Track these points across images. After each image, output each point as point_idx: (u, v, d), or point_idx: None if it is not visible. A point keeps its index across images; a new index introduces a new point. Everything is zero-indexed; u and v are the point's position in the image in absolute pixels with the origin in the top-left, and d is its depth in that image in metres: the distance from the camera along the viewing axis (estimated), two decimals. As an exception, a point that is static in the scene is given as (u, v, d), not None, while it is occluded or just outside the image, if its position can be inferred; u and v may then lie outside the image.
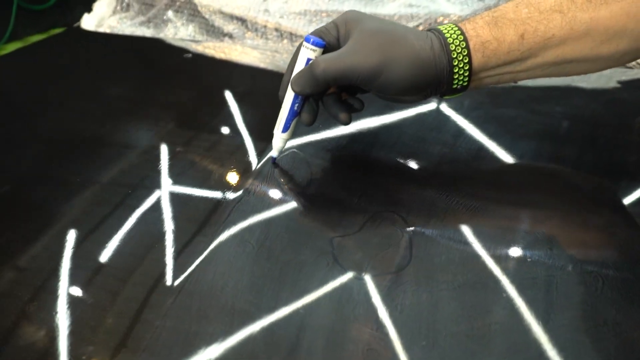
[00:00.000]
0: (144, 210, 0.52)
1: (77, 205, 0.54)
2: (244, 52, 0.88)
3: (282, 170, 0.55)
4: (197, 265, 0.44)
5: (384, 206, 0.49)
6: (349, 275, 0.42)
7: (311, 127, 0.54)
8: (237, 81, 0.79)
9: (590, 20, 0.44)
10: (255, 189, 0.52)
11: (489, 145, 0.57)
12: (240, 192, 0.52)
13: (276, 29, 0.87)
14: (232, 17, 0.91)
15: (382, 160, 0.56)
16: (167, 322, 0.40)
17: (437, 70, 0.46)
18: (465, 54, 0.45)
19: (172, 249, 0.47)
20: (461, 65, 0.46)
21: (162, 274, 0.44)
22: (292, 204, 0.51)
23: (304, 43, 0.49)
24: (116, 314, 0.41)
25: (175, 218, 0.50)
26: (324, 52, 0.49)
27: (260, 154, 0.58)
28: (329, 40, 0.49)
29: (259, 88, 0.77)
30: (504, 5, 0.47)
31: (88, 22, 1.05)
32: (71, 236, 0.49)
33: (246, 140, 0.62)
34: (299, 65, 0.49)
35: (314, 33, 0.49)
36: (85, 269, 0.45)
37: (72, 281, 0.44)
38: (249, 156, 0.58)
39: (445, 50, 0.45)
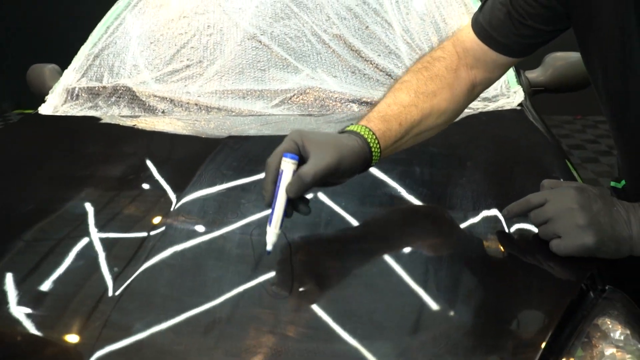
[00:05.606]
0: (76, 252, 0.73)
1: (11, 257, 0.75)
2: (171, 123, 1.23)
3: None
4: (129, 284, 0.65)
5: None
6: (254, 282, 0.66)
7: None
8: (164, 145, 1.11)
9: (431, 107, 0.75)
10: (175, 224, 0.77)
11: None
12: (163, 228, 0.75)
13: (196, 104, 1.25)
14: (163, 98, 1.28)
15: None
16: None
17: (365, 157, 0.69)
18: (376, 142, 0.70)
19: (109, 276, 0.68)
20: (375, 151, 0.70)
21: (103, 294, 0.64)
22: (207, 235, 0.75)
23: (284, 159, 0.65)
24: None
25: (107, 253, 0.72)
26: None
27: (177, 196, 0.84)
28: (296, 152, 0.66)
29: (181, 150, 1.09)
30: (382, 107, 0.74)
31: (45, 109, 1.37)
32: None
33: (166, 189, 0.88)
34: (287, 176, 0.65)
35: (283, 150, 0.66)
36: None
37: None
38: (165, 201, 0.84)
39: (365, 143, 0.69)
